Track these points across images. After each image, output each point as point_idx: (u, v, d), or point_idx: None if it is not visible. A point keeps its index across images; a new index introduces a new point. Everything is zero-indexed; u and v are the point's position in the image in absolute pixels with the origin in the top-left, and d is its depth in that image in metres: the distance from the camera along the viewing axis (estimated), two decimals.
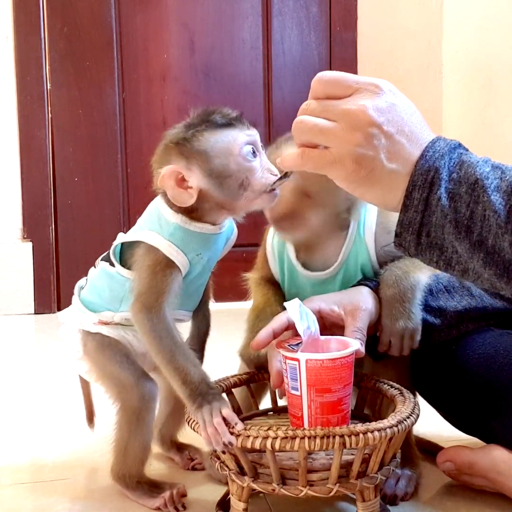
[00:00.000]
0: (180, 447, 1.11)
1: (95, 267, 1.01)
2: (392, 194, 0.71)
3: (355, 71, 2.64)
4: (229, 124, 0.85)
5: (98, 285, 0.99)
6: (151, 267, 0.87)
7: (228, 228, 0.95)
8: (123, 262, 0.94)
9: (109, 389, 0.98)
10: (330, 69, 2.60)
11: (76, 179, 2.50)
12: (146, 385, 0.95)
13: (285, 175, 0.86)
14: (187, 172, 0.85)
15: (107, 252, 0.97)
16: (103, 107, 2.50)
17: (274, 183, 0.86)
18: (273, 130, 2.54)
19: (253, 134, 0.87)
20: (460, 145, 0.72)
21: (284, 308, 0.88)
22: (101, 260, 0.99)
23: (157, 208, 0.91)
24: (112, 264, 0.95)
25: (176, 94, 2.56)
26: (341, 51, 2.63)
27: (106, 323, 0.97)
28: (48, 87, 2.45)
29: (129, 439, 0.96)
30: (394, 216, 1.00)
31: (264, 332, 0.88)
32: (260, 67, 2.59)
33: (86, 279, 1.03)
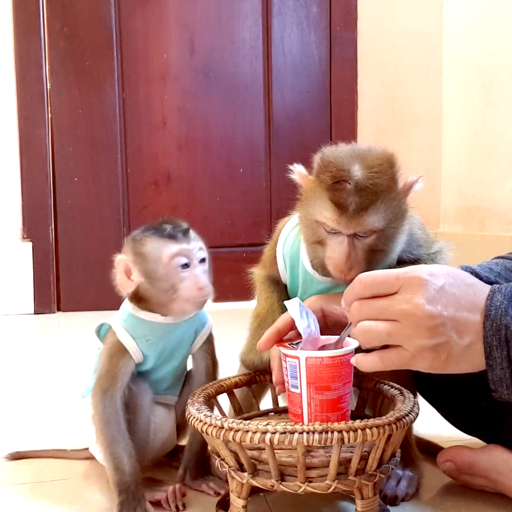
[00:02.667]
0: (177, 450, 1.11)
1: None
2: (476, 361, 0.75)
3: (355, 71, 2.64)
4: (170, 236, 0.96)
5: (93, 371, 1.05)
6: (109, 350, 0.98)
7: (196, 321, 1.02)
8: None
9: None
10: (330, 69, 2.61)
11: (76, 179, 2.50)
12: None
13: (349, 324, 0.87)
14: (132, 266, 0.97)
15: None
16: (103, 107, 2.51)
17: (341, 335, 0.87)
18: (273, 130, 2.54)
19: (190, 248, 0.97)
20: None
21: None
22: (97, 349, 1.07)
23: (125, 297, 1.02)
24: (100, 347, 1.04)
25: (176, 94, 2.56)
26: (341, 51, 2.63)
27: None
28: (48, 87, 2.46)
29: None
30: (416, 222, 0.98)
31: (270, 332, 0.89)
32: (260, 67, 2.59)
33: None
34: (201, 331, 1.03)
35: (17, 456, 1.16)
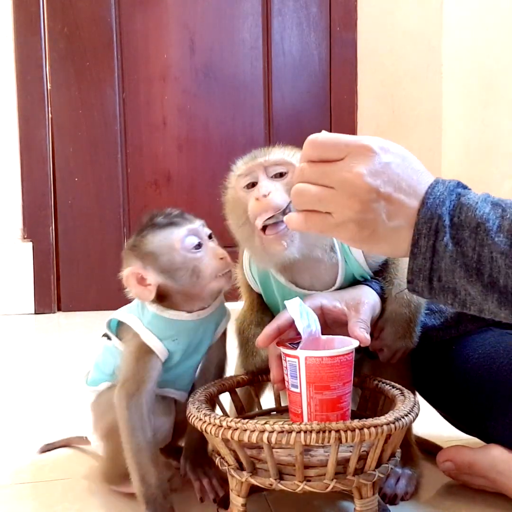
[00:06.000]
0: (178, 449, 1.11)
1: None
2: (399, 247, 0.72)
3: (355, 71, 2.64)
4: (170, 223, 0.95)
5: (99, 361, 1.04)
6: (133, 354, 0.94)
7: (217, 313, 1.00)
8: (119, 337, 1.00)
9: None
10: (330, 69, 2.61)
11: (76, 179, 2.50)
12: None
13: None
14: (144, 272, 0.93)
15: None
16: (103, 107, 2.51)
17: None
18: (273, 130, 2.54)
19: (195, 226, 0.96)
20: (458, 184, 0.73)
21: (266, 312, 0.88)
22: (102, 337, 1.05)
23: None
24: (109, 338, 1.02)
25: (176, 94, 2.56)
26: (341, 51, 2.63)
27: None
28: (48, 87, 2.46)
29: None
30: None
31: (270, 329, 0.89)
32: (260, 67, 2.59)
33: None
34: (221, 322, 1.01)
35: (49, 448, 1.16)
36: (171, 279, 0.93)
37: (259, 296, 1.04)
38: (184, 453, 1.03)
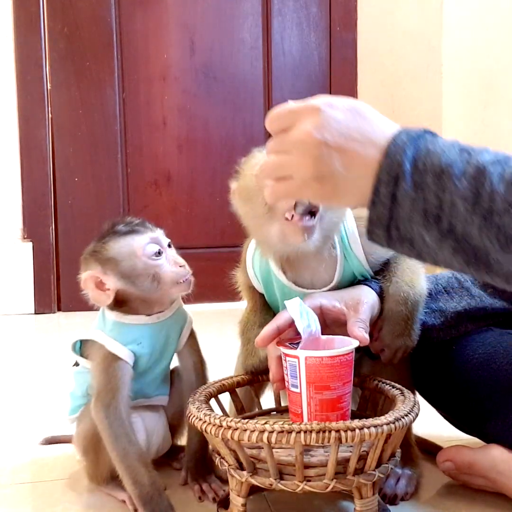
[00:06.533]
0: (176, 450, 1.12)
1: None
2: (364, 196, 0.71)
3: (355, 71, 2.64)
4: (131, 230, 0.97)
5: (72, 390, 1.06)
6: (101, 364, 0.96)
7: (178, 318, 1.02)
8: (85, 357, 1.03)
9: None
10: (330, 69, 2.61)
11: (76, 179, 2.50)
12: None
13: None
14: (104, 276, 0.97)
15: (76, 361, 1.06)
16: (103, 107, 2.51)
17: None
18: None
19: (156, 235, 0.98)
20: (425, 132, 0.71)
21: (269, 313, 0.89)
22: (72, 367, 1.07)
23: (101, 308, 1.02)
24: (76, 365, 1.05)
25: (176, 94, 2.56)
26: (341, 51, 2.63)
27: None
28: (48, 87, 2.46)
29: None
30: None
31: (269, 328, 0.89)
32: (260, 67, 2.59)
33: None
34: (184, 327, 1.03)
35: (52, 441, 1.18)
36: (131, 284, 0.96)
37: (262, 297, 1.04)
38: (185, 464, 1.04)
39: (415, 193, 0.67)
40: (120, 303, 0.98)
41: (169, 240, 0.99)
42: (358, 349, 0.88)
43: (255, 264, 1.02)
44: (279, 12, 2.59)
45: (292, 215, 0.89)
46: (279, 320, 0.90)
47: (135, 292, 0.97)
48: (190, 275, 0.97)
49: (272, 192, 0.75)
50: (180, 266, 0.97)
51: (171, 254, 0.98)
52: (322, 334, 0.89)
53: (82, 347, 1.03)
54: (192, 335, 1.04)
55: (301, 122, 0.71)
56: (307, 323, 0.86)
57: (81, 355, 1.03)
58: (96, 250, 0.98)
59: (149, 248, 0.96)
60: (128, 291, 0.97)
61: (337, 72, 2.64)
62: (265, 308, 1.04)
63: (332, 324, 0.93)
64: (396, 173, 0.68)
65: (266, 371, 0.97)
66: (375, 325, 0.96)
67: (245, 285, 1.05)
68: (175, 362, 1.06)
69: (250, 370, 1.01)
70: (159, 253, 0.96)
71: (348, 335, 0.89)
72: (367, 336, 0.88)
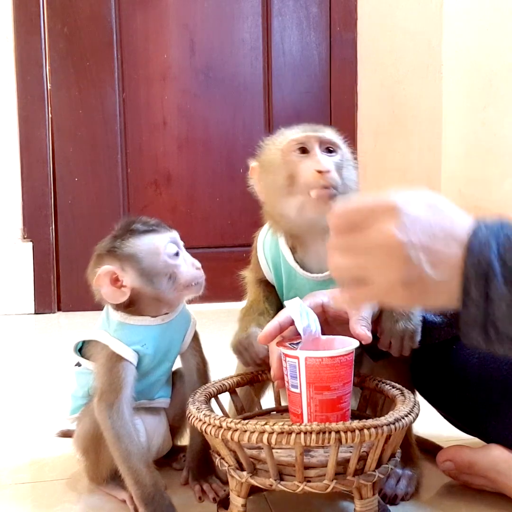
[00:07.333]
0: (176, 450, 1.12)
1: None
2: (452, 296, 0.69)
3: (355, 71, 2.64)
4: (151, 230, 0.97)
5: (73, 390, 1.06)
6: (105, 365, 0.96)
7: (182, 319, 1.02)
8: (87, 358, 1.03)
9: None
10: (330, 69, 2.61)
11: (76, 179, 2.50)
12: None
13: None
14: (121, 273, 0.96)
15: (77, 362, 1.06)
16: (103, 107, 2.50)
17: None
18: (273, 130, 2.54)
19: (174, 235, 0.99)
20: (503, 224, 0.69)
21: (272, 304, 0.90)
22: (74, 367, 1.07)
23: (105, 308, 1.02)
24: (78, 365, 1.05)
25: (176, 94, 2.56)
26: (341, 51, 2.63)
27: None
28: (48, 87, 2.46)
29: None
30: None
31: (271, 325, 0.89)
32: (260, 67, 2.59)
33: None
34: (188, 329, 1.04)
35: (68, 434, 1.17)
36: (149, 283, 0.96)
37: (266, 290, 1.04)
38: (187, 463, 1.05)
39: (508, 292, 0.65)
40: (128, 303, 0.98)
41: (183, 242, 1.00)
42: (358, 350, 0.88)
43: (266, 248, 1.04)
44: (279, 12, 2.59)
45: (316, 192, 0.93)
46: (280, 318, 0.90)
47: (150, 291, 0.96)
48: (203, 278, 0.98)
49: (351, 298, 0.72)
50: (197, 269, 0.98)
51: (188, 256, 0.99)
52: (324, 333, 0.89)
53: (84, 348, 1.03)
54: (195, 336, 1.05)
55: (379, 222, 0.68)
56: (307, 323, 0.86)
57: (82, 356, 1.03)
58: (116, 247, 0.97)
59: (169, 247, 0.96)
60: (142, 291, 0.96)
61: (337, 72, 2.64)
62: (268, 299, 1.04)
63: (334, 322, 0.92)
64: (485, 271, 0.66)
65: (261, 366, 0.97)
66: (376, 321, 0.96)
67: (252, 281, 1.05)
68: (176, 364, 1.07)
69: (235, 346, 0.99)
70: (177, 254, 0.97)
71: (350, 333, 0.89)
72: (369, 334, 0.88)
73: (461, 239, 0.68)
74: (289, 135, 0.99)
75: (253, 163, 1.02)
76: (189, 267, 0.97)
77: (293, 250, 1.01)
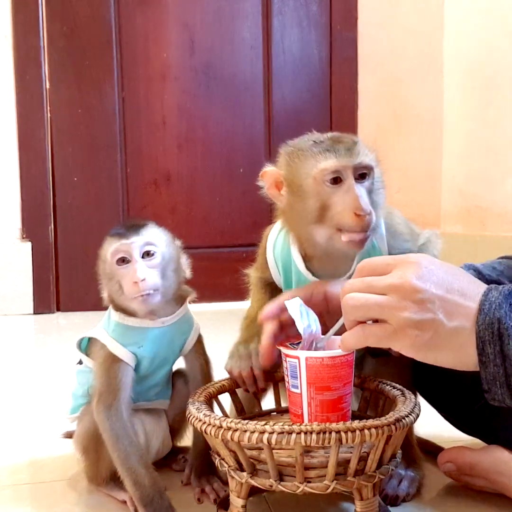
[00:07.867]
0: (176, 452, 1.12)
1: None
2: (464, 352, 0.72)
3: (355, 71, 2.64)
4: (115, 234, 0.95)
5: (74, 389, 1.06)
6: (103, 365, 0.96)
7: (184, 324, 1.01)
8: (88, 355, 1.03)
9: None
10: (330, 68, 2.61)
11: (75, 179, 2.50)
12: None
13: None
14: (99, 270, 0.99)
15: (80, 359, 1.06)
16: (103, 107, 2.50)
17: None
18: (273, 130, 2.54)
19: (129, 243, 0.94)
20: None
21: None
22: (76, 365, 1.07)
23: (109, 307, 1.01)
24: (80, 363, 1.05)
25: (176, 93, 2.55)
26: (341, 50, 2.63)
27: None
28: (47, 87, 2.45)
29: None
30: (398, 218, 1.00)
31: (272, 305, 0.90)
32: (260, 67, 2.59)
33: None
34: (190, 335, 1.03)
35: (72, 435, 1.15)
36: (107, 287, 0.97)
37: (271, 294, 1.03)
38: (190, 462, 1.04)
39: None
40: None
41: (153, 250, 0.95)
42: (358, 350, 0.87)
43: (276, 250, 1.01)
44: (280, 11, 2.59)
45: (349, 236, 0.89)
46: (283, 297, 0.90)
47: (111, 295, 0.97)
48: (149, 291, 0.93)
49: (363, 336, 0.74)
50: (134, 282, 0.92)
51: (137, 265, 0.93)
52: (324, 323, 0.88)
53: (89, 345, 1.03)
54: (199, 339, 1.04)
55: (399, 270, 0.72)
56: (308, 323, 0.85)
57: (86, 353, 1.02)
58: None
59: (114, 254, 0.94)
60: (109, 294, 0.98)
61: (338, 71, 2.64)
62: None
63: (335, 311, 0.92)
64: (498, 330, 0.69)
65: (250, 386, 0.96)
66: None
67: (257, 283, 1.04)
68: (176, 364, 1.06)
69: (232, 354, 0.98)
70: (122, 261, 0.94)
71: None
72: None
73: (475, 296, 0.72)
74: (321, 160, 0.91)
75: (270, 168, 0.96)
76: (129, 280, 0.93)
77: (305, 258, 0.98)
